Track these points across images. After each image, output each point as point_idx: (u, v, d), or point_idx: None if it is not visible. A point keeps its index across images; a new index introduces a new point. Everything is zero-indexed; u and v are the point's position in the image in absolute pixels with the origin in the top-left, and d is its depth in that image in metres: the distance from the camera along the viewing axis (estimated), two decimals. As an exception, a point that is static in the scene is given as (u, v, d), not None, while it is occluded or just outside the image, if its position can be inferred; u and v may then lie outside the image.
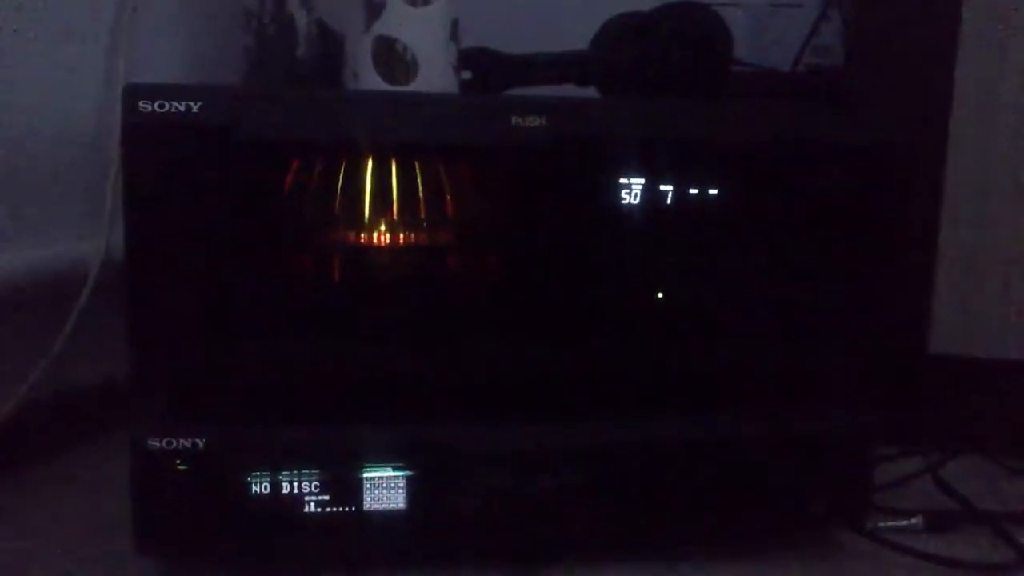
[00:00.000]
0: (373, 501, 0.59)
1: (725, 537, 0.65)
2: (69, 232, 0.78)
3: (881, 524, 0.68)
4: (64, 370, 0.75)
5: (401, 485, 0.59)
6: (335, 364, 0.60)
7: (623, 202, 0.60)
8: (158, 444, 0.56)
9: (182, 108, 0.54)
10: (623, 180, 0.60)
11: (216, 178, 0.56)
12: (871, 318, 0.65)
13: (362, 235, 0.59)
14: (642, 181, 0.60)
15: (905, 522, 0.69)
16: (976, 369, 0.84)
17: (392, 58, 0.76)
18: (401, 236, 0.60)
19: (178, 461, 0.57)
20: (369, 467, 0.59)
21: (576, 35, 0.87)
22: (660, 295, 0.63)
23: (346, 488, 0.58)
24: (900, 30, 0.86)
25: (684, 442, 0.62)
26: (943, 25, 0.82)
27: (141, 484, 0.57)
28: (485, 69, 0.85)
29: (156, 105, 0.54)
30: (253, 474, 0.57)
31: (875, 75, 0.87)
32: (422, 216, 0.60)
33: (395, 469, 0.59)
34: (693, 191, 0.61)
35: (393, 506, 0.59)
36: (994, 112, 0.82)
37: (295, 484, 0.58)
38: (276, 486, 0.58)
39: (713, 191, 0.61)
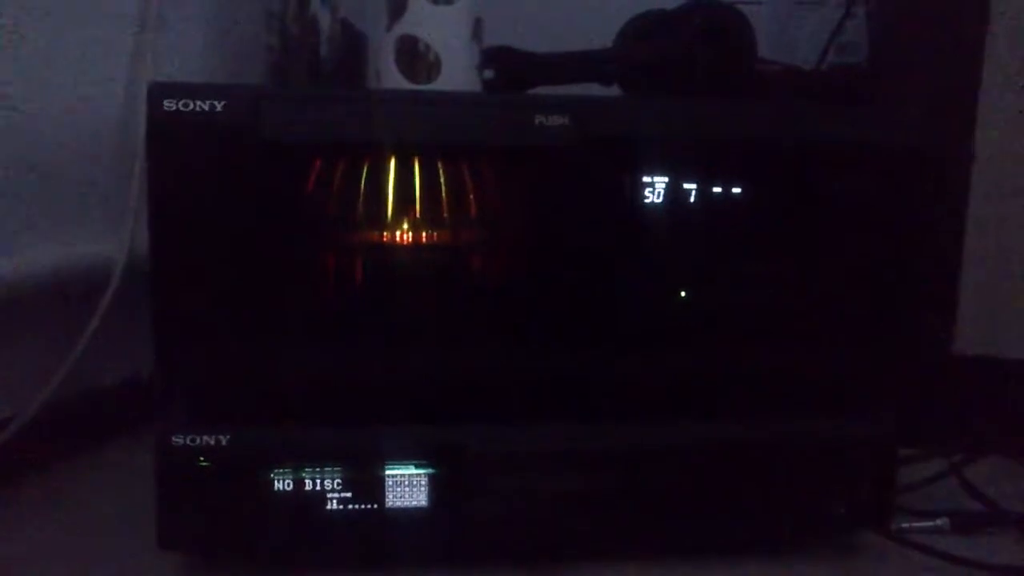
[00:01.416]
0: (395, 499, 0.59)
1: (748, 539, 0.65)
2: (93, 230, 0.78)
3: (906, 525, 0.68)
4: (89, 368, 0.75)
5: (423, 483, 0.59)
6: (358, 362, 0.60)
7: (646, 201, 0.60)
8: (182, 441, 0.57)
9: (206, 107, 0.55)
10: (646, 179, 0.60)
11: (240, 177, 0.56)
12: (896, 319, 0.64)
13: (385, 235, 0.59)
14: (666, 180, 0.60)
15: (930, 523, 0.69)
16: (1001, 370, 0.84)
17: (415, 57, 0.76)
18: (424, 236, 0.60)
19: (202, 458, 0.57)
20: (391, 465, 0.59)
21: (599, 34, 0.87)
22: (683, 296, 0.62)
23: (368, 485, 0.59)
24: (925, 27, 0.85)
25: (707, 444, 0.62)
26: (970, 22, 0.81)
27: (165, 480, 0.57)
28: (508, 68, 0.84)
29: (181, 104, 0.54)
30: (276, 471, 0.58)
31: (900, 73, 0.87)
32: (445, 216, 0.60)
33: (417, 467, 0.59)
34: (716, 190, 0.61)
35: (415, 504, 0.59)
36: (1022, 109, 0.81)
37: (318, 481, 0.58)
38: (299, 483, 0.58)
39: (736, 191, 0.61)
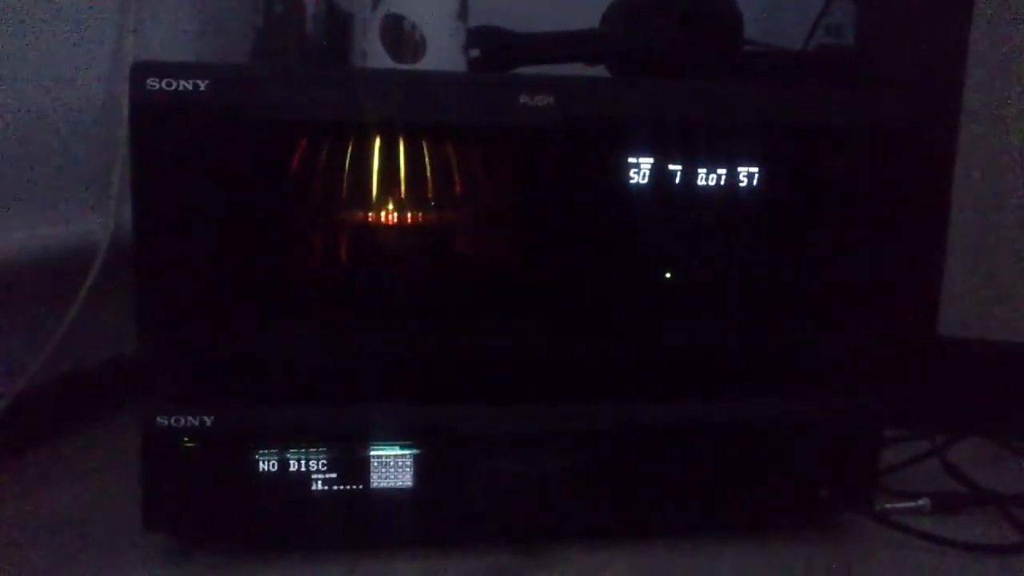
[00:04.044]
0: (380, 479, 0.59)
1: (732, 519, 0.65)
2: (77, 210, 0.78)
3: (888, 506, 0.68)
4: (73, 348, 0.75)
5: (408, 464, 0.59)
6: (343, 343, 0.60)
7: (631, 182, 0.60)
8: (167, 422, 0.57)
9: (190, 86, 0.54)
10: (631, 160, 0.60)
11: (224, 156, 0.56)
12: (881, 300, 0.65)
13: (369, 215, 0.59)
14: (650, 161, 0.60)
15: (912, 504, 0.69)
16: (985, 351, 0.84)
17: (400, 36, 0.76)
18: (409, 216, 0.60)
19: (186, 438, 0.57)
20: (377, 445, 0.59)
21: (586, 14, 0.87)
22: (668, 277, 0.63)
23: (354, 466, 0.59)
24: (912, 8, 0.85)
25: (690, 425, 0.62)
26: (956, 3, 0.81)
27: (150, 461, 0.57)
28: (494, 47, 0.84)
29: (164, 83, 0.54)
30: (261, 452, 0.58)
31: (887, 54, 0.87)
32: (429, 196, 0.59)
33: (403, 448, 0.59)
34: (701, 172, 0.61)
35: (400, 484, 0.59)
36: (1007, 90, 0.81)
37: (303, 462, 0.58)
38: (284, 464, 0.58)
39: (721, 172, 0.61)
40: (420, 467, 0.59)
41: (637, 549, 0.63)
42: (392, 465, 0.59)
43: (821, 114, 0.62)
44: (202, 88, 0.54)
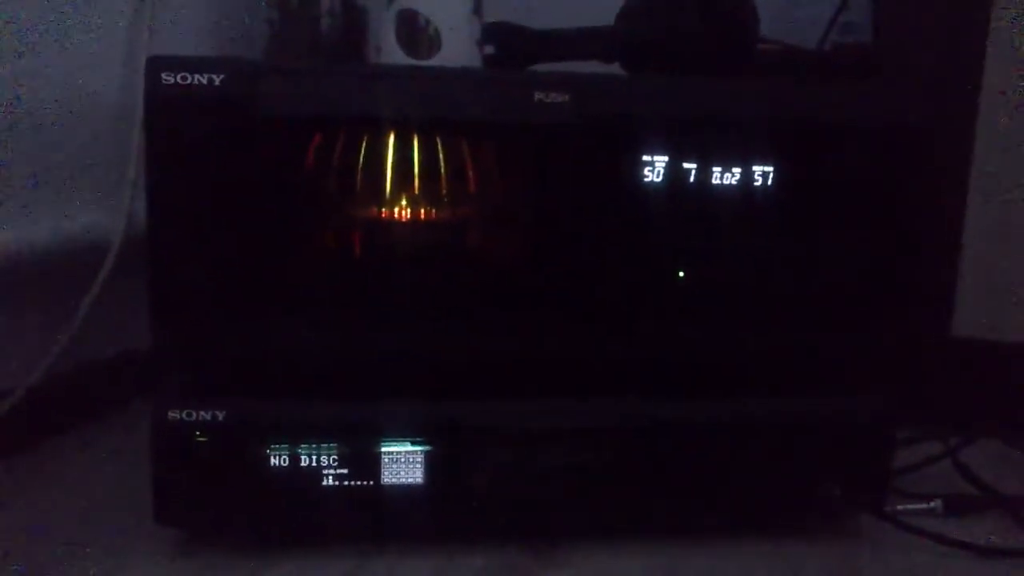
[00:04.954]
0: (391, 476, 0.59)
1: (743, 519, 0.65)
2: (91, 204, 0.78)
3: (900, 507, 0.68)
4: (86, 341, 0.75)
5: (419, 460, 0.59)
6: (355, 338, 0.60)
7: (646, 180, 0.60)
8: (178, 415, 0.57)
9: (205, 80, 0.54)
10: (646, 158, 0.60)
11: (238, 151, 0.56)
12: (895, 300, 0.64)
13: (383, 211, 0.59)
14: (665, 159, 0.60)
15: (924, 505, 0.69)
16: (998, 352, 0.84)
17: (415, 32, 0.76)
18: (422, 212, 0.60)
19: (198, 432, 0.57)
20: (388, 442, 0.59)
21: (601, 11, 0.86)
22: (681, 275, 0.62)
23: (364, 462, 0.59)
24: (929, 6, 0.84)
25: (701, 423, 0.62)
26: (974, 2, 0.81)
27: (161, 455, 0.57)
28: (509, 44, 0.84)
29: (179, 77, 0.54)
30: (272, 447, 0.58)
31: (903, 52, 0.86)
32: (443, 192, 0.59)
33: (414, 444, 0.59)
34: (716, 170, 0.61)
35: (411, 481, 0.59)
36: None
37: (314, 457, 0.58)
38: (295, 459, 0.58)
39: (736, 170, 0.61)
40: (431, 464, 0.59)
41: (646, 546, 0.63)
42: (403, 461, 0.59)
43: (836, 112, 0.62)
44: (216, 83, 0.54)
